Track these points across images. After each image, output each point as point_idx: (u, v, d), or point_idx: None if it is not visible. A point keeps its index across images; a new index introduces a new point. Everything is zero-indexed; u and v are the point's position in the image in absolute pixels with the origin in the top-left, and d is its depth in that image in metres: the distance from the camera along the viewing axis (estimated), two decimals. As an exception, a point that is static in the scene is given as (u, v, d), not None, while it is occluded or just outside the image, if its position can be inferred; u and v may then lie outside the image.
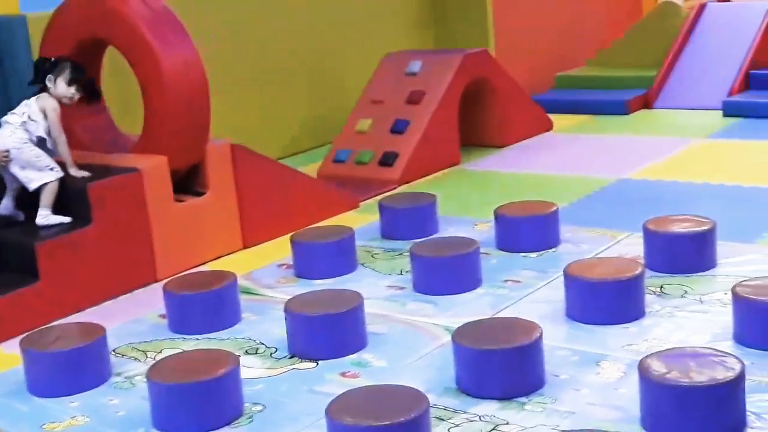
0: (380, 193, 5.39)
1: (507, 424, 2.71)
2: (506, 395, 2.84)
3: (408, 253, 3.97)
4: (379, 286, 3.91)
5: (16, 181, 4.17)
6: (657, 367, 2.62)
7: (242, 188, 4.70)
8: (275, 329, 3.52)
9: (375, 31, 7.20)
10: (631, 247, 4.05)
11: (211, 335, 3.57)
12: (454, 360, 2.97)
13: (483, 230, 4.49)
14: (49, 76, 4.24)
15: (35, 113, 4.18)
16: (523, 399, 2.83)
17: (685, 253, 3.73)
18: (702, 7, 8.01)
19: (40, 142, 4.18)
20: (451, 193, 5.38)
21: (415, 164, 5.77)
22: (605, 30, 8.56)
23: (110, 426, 2.94)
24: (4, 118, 4.20)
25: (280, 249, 4.51)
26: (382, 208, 4.64)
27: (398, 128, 5.93)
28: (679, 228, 3.79)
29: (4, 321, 3.77)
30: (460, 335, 3.00)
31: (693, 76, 7.48)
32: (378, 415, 2.54)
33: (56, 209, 4.16)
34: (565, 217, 4.38)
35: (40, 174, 4.13)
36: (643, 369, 2.64)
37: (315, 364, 3.23)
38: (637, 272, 3.39)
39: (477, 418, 2.75)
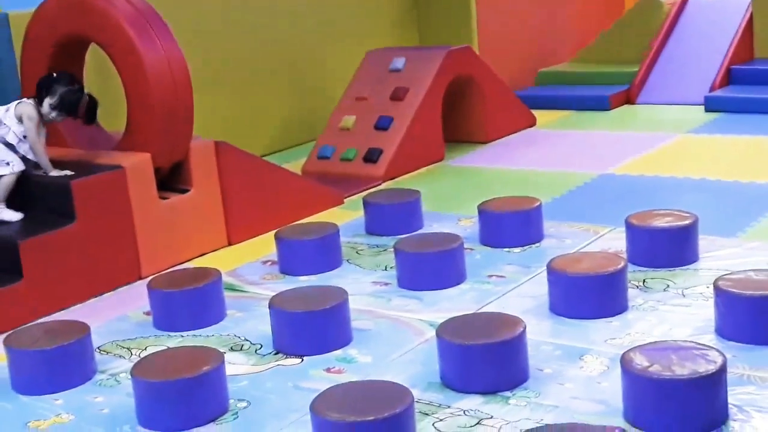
0: (365, 190, 5.40)
1: (491, 418, 2.72)
2: (490, 389, 2.86)
3: (392, 249, 3.99)
4: (364, 282, 3.92)
5: None
6: (639, 360, 2.64)
7: (226, 185, 4.70)
8: (260, 326, 3.52)
9: (359, 29, 7.20)
10: (613, 241, 4.07)
11: (196, 332, 3.57)
12: (439, 355, 2.99)
13: (467, 226, 4.50)
14: (43, 92, 4.24)
15: (9, 118, 4.17)
16: (507, 393, 2.85)
17: (667, 248, 3.76)
18: (684, 3, 8.05)
19: (8, 146, 4.17)
20: (435, 189, 5.39)
21: (399, 160, 5.78)
22: (587, 26, 8.59)
23: (95, 423, 2.94)
24: None
25: (264, 246, 4.51)
26: (366, 204, 4.65)
27: (382, 125, 5.94)
28: (661, 222, 3.82)
29: (-12, 319, 3.76)
30: (444, 330, 3.01)
31: (675, 71, 7.52)
32: (363, 410, 2.55)
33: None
34: (549, 213, 4.41)
35: None
36: (625, 362, 2.66)
37: (300, 360, 3.24)
38: (620, 267, 3.42)
39: (461, 413, 2.77)
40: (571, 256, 3.62)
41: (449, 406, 2.81)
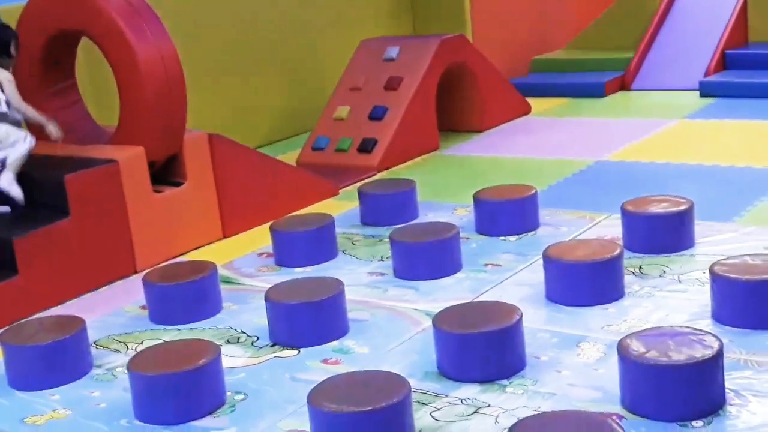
0: (360, 180, 5.39)
1: (488, 406, 2.72)
2: (487, 378, 2.85)
3: (388, 239, 3.98)
4: (360, 273, 3.92)
5: None
6: (636, 346, 2.64)
7: (221, 178, 4.69)
8: (256, 318, 3.52)
9: (352, 18, 7.17)
10: (609, 228, 4.07)
11: (193, 325, 3.56)
12: (435, 344, 2.98)
13: (462, 215, 4.49)
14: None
15: None
16: (504, 381, 2.85)
17: (663, 234, 3.75)
18: (677, -12, 8.04)
19: (13, 124, 4.17)
20: (431, 179, 5.39)
21: (394, 150, 5.77)
22: (582, 13, 8.56)
23: (92, 418, 2.94)
24: None
25: (260, 238, 4.51)
26: (361, 194, 4.64)
27: (376, 115, 5.92)
28: (657, 208, 3.81)
29: (-16, 316, 3.75)
30: (440, 320, 3.01)
31: (669, 56, 7.50)
32: (360, 401, 2.55)
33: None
34: (544, 200, 4.40)
35: None
36: (622, 349, 2.65)
37: (297, 351, 3.24)
38: (616, 253, 3.41)
39: (459, 402, 2.76)
40: (567, 244, 3.62)
41: (446, 395, 2.81)
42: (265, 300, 3.39)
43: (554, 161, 5.54)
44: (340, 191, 5.29)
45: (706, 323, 3.08)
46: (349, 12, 7.19)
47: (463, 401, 2.77)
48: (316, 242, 4.13)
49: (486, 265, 3.84)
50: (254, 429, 2.77)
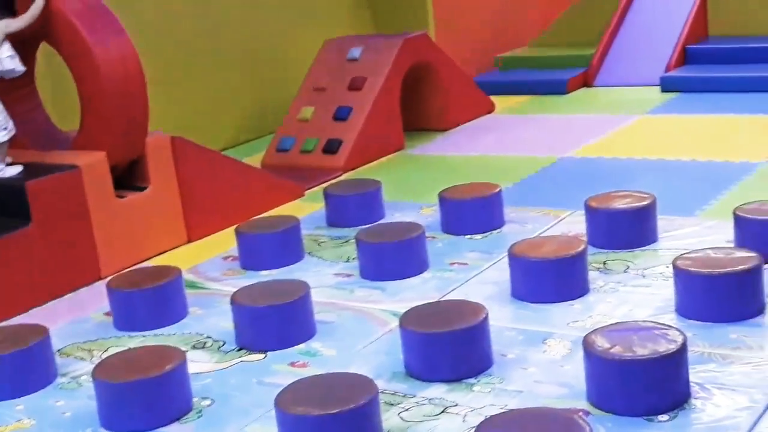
0: (325, 181, 5.38)
1: (456, 405, 2.72)
2: (455, 377, 2.86)
3: (354, 240, 3.97)
4: (326, 274, 3.90)
5: None
6: (601, 342, 2.66)
7: (184, 181, 4.65)
8: (222, 322, 3.49)
9: (313, 16, 7.15)
10: (574, 224, 4.09)
11: (158, 331, 3.53)
12: (402, 345, 2.98)
13: (429, 214, 4.50)
14: None
15: None
16: (471, 380, 2.85)
17: (626, 229, 3.78)
18: (638, -16, 8.10)
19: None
20: (396, 179, 5.39)
21: (359, 151, 5.76)
22: (545, 10, 8.60)
23: (57, 427, 2.90)
24: None
25: (225, 241, 4.48)
26: (327, 195, 4.63)
27: (341, 115, 5.91)
28: (619, 204, 3.84)
29: (-55, 326, 3.69)
30: (407, 320, 3.01)
31: (631, 52, 7.56)
32: (327, 403, 2.54)
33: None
34: (509, 198, 4.41)
35: None
36: (587, 345, 2.67)
37: (263, 355, 3.22)
38: (580, 249, 3.43)
39: (426, 402, 2.76)
40: (532, 241, 3.63)
41: (414, 396, 2.81)
42: (231, 304, 3.37)
43: (518, 159, 5.56)
44: (305, 192, 5.28)
45: (670, 317, 3.10)
46: (311, 10, 7.16)
47: (431, 401, 2.76)
48: (282, 245, 4.11)
49: (452, 264, 3.85)
50: (221, 434, 2.75)
